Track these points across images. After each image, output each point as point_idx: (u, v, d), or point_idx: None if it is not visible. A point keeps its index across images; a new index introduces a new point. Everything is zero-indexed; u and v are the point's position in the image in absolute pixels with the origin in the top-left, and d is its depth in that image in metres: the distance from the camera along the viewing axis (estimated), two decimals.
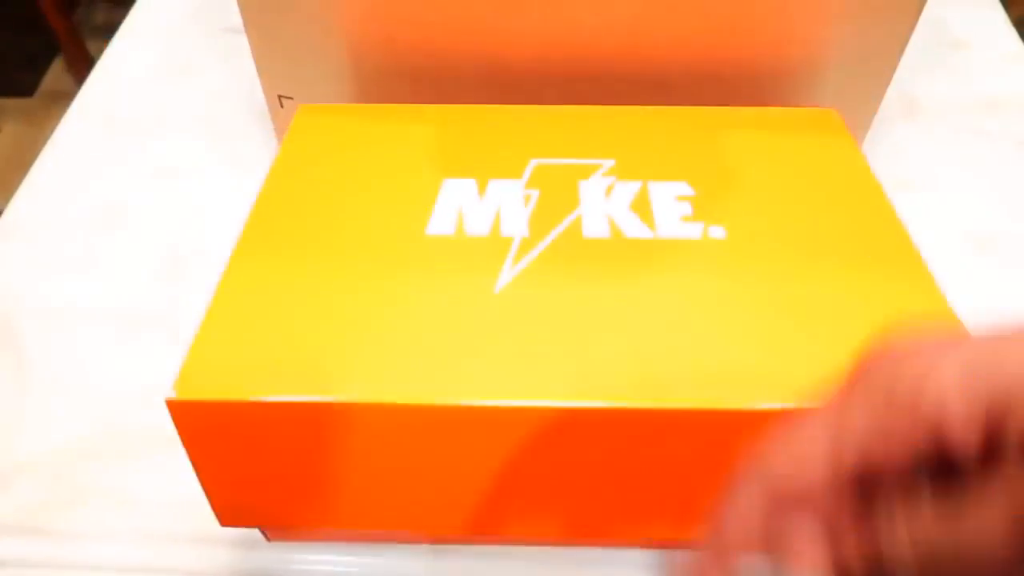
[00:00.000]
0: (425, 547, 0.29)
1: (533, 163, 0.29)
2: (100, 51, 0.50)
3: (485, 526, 0.26)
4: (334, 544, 0.29)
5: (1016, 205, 0.39)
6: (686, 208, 0.27)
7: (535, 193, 0.28)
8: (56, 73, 1.34)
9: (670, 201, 0.28)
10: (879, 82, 0.34)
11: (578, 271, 0.25)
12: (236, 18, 0.34)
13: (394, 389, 0.22)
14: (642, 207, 0.27)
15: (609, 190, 0.28)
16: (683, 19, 0.31)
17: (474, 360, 0.23)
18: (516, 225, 0.27)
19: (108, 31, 0.51)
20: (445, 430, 0.23)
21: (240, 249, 0.26)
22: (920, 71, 0.46)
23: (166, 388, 0.33)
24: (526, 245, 0.26)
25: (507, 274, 0.25)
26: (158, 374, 0.33)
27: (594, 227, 0.27)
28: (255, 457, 0.24)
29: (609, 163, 0.29)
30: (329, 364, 0.23)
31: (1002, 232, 0.38)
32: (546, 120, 0.31)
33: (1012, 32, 0.49)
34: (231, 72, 0.46)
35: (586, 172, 0.29)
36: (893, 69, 0.34)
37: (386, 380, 0.22)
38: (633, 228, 0.27)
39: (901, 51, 0.33)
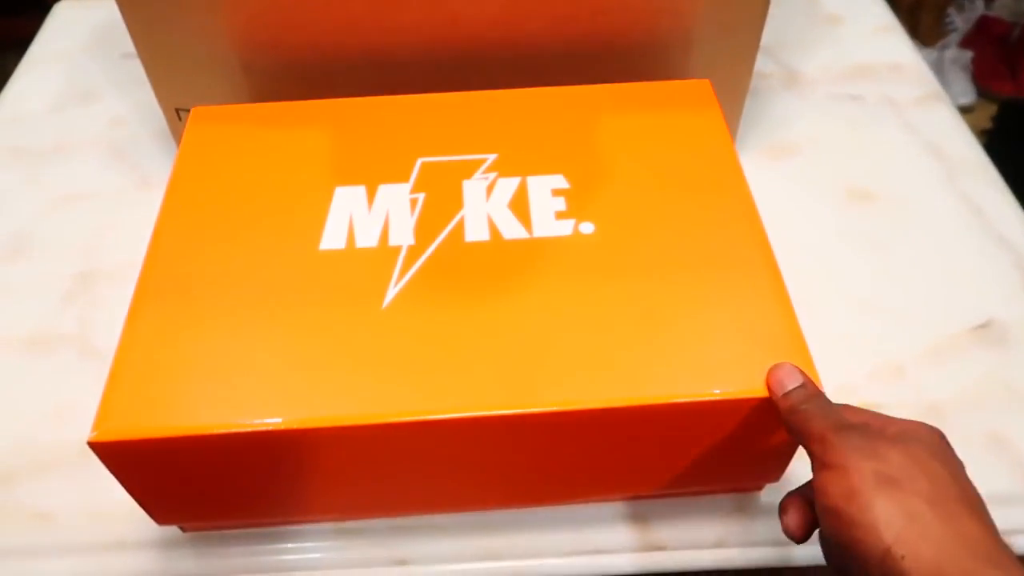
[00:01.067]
0: (330, 526, 0.29)
1: (420, 162, 0.30)
2: None
3: (388, 510, 0.28)
4: (252, 534, 0.29)
5: (890, 160, 0.42)
6: (560, 204, 0.29)
7: (421, 197, 0.29)
8: None
9: (546, 197, 0.29)
10: (747, 51, 0.36)
11: (459, 281, 0.27)
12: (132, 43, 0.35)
13: (294, 413, 0.23)
14: (520, 205, 0.29)
15: (490, 189, 0.29)
16: (554, 1, 0.33)
17: (362, 379, 0.24)
18: (403, 233, 0.28)
19: (16, 61, 0.51)
20: (343, 446, 0.24)
21: (142, 282, 0.27)
22: (799, 45, 0.48)
23: (79, 404, 0.33)
24: (412, 254, 0.27)
25: (393, 289, 0.26)
26: (70, 390, 0.34)
27: (475, 230, 0.28)
28: (177, 476, 0.25)
29: (491, 158, 0.31)
30: (233, 393, 0.24)
31: (879, 185, 0.41)
32: (431, 111, 0.32)
33: (883, 4, 0.52)
34: (131, 96, 0.46)
35: (469, 170, 0.30)
36: (758, 39, 0.36)
37: (286, 404, 0.24)
38: (511, 229, 0.28)
39: (762, 20, 0.35)
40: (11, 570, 0.29)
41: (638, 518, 0.30)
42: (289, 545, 0.29)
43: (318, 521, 0.29)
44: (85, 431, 0.33)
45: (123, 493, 0.26)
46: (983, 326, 0.34)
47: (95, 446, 0.23)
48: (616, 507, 0.30)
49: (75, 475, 0.31)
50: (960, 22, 1.30)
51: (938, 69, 1.15)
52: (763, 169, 0.42)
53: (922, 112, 0.44)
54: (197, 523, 0.28)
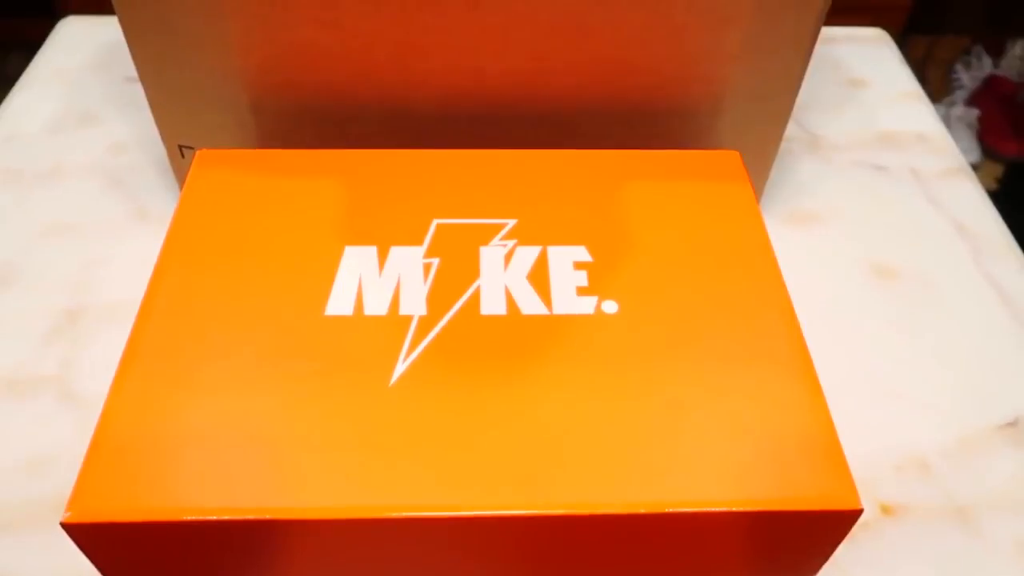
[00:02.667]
0: None
1: (435, 224, 0.29)
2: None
3: None
4: None
5: (914, 235, 0.41)
6: (582, 278, 0.27)
7: (435, 262, 0.28)
8: None
9: (567, 270, 0.28)
10: (778, 118, 0.35)
11: (472, 359, 0.25)
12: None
13: (287, 501, 0.22)
14: (540, 277, 0.27)
15: (508, 257, 0.28)
16: (583, 61, 0.32)
17: (364, 467, 0.22)
18: (415, 302, 0.26)
19: (11, 83, 0.49)
20: (337, 538, 0.22)
21: (132, 343, 0.25)
22: (822, 109, 0.47)
23: (54, 456, 0.31)
24: (423, 326, 0.26)
25: (402, 364, 0.25)
26: (46, 440, 0.32)
27: (492, 303, 0.26)
28: (156, 559, 0.23)
29: (511, 223, 0.29)
30: (222, 474, 0.22)
31: (903, 260, 0.39)
32: (448, 168, 0.31)
33: (907, 70, 0.51)
34: (134, 122, 0.45)
35: (487, 235, 0.29)
36: (790, 107, 0.35)
37: (276, 493, 0.22)
38: (529, 304, 0.27)
39: (796, 88, 0.34)
40: None
41: None
42: None
43: None
44: (59, 487, 0.31)
45: None
46: (1012, 424, 0.33)
47: (68, 528, 0.21)
48: None
49: (45, 536, 0.29)
50: (967, 80, 1.30)
51: (944, 126, 1.15)
52: (784, 238, 0.40)
53: (947, 186, 0.43)
54: None
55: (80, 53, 0.49)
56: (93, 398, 0.33)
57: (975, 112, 1.22)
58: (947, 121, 1.18)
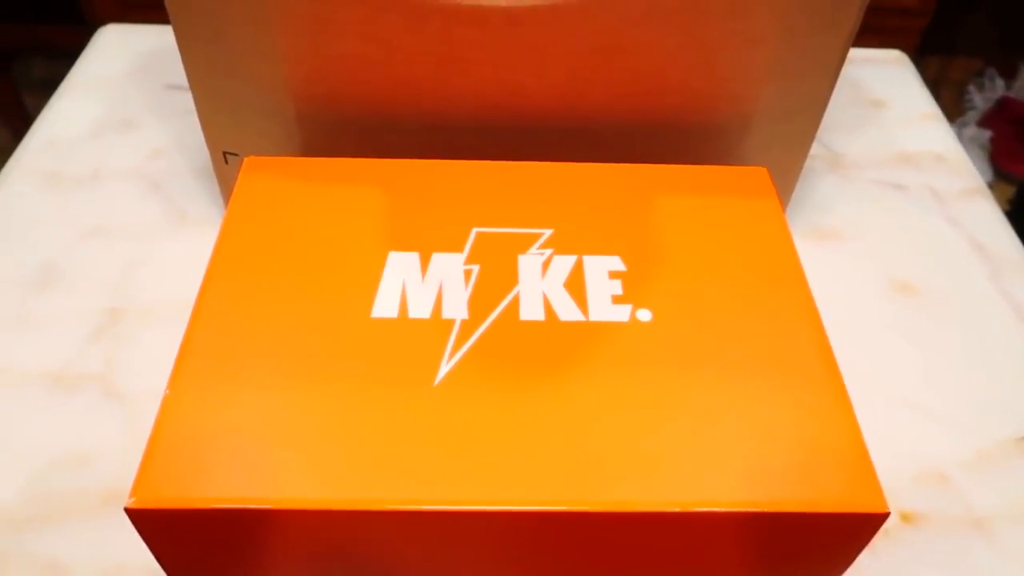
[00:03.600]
0: None
1: (474, 232, 0.30)
2: (38, 106, 0.49)
3: None
4: None
5: (933, 252, 0.42)
6: (616, 287, 0.28)
7: (475, 268, 0.29)
8: None
9: (602, 279, 0.29)
10: (804, 138, 0.36)
11: (513, 362, 0.26)
12: (178, 75, 0.35)
13: (338, 493, 0.23)
14: (576, 285, 0.29)
15: (546, 265, 0.29)
16: (617, 79, 0.33)
17: (410, 461, 0.23)
18: (457, 306, 0.27)
19: (46, 86, 0.50)
20: (383, 530, 0.23)
21: (188, 340, 0.26)
22: (843, 128, 0.48)
23: (99, 451, 0.32)
24: (466, 329, 0.27)
25: (446, 365, 0.26)
26: (90, 437, 0.33)
27: (530, 309, 0.28)
28: (211, 546, 0.24)
29: (547, 233, 0.30)
30: (277, 466, 0.23)
31: (921, 276, 0.40)
32: (486, 179, 0.32)
33: (925, 92, 0.52)
34: (173, 129, 0.46)
35: (525, 244, 0.30)
36: (816, 126, 0.36)
37: (328, 486, 0.23)
38: (567, 310, 0.28)
39: (823, 109, 0.35)
40: None
41: None
42: None
43: None
44: (104, 480, 0.32)
45: (141, 551, 0.25)
46: None
47: (132, 513, 0.22)
48: None
49: (91, 527, 0.30)
50: (980, 101, 1.31)
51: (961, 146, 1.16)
52: (805, 253, 0.41)
53: (965, 206, 0.44)
54: None
55: (120, 60, 0.51)
56: (135, 395, 0.34)
57: (987, 134, 1.23)
58: (959, 142, 1.19)
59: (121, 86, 0.49)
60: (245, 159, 0.32)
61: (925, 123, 0.49)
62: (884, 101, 0.51)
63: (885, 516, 0.23)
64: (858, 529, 0.24)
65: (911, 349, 0.37)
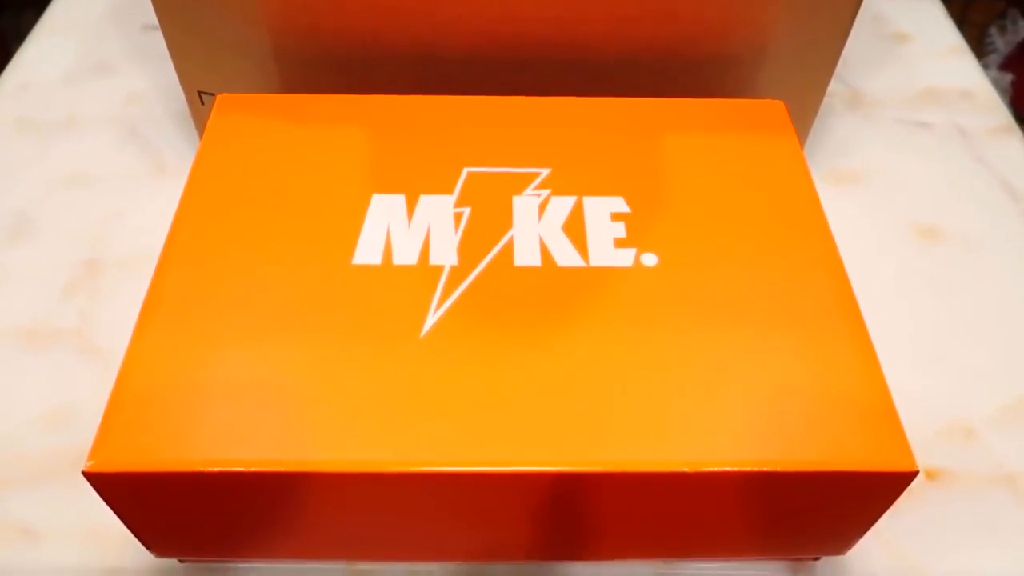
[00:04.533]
0: (341, 566, 0.27)
1: (465, 172, 0.28)
2: None
3: (407, 555, 0.25)
4: (254, 568, 0.27)
5: (959, 194, 0.39)
6: (619, 230, 0.26)
7: (466, 211, 0.26)
8: None
9: (604, 221, 0.26)
10: (823, 71, 0.33)
11: (505, 310, 0.24)
12: (155, 15, 0.32)
13: (312, 454, 0.21)
14: (575, 228, 0.26)
15: (542, 207, 0.27)
16: (621, 4, 0.30)
17: (394, 420, 0.21)
18: (446, 252, 0.25)
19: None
20: (363, 492, 0.22)
21: (152, 292, 0.24)
22: (864, 64, 0.45)
23: (75, 409, 0.31)
24: (455, 276, 0.25)
25: (433, 316, 0.23)
26: (66, 394, 0.31)
27: (525, 253, 0.25)
28: (179, 510, 0.22)
29: (544, 172, 0.28)
30: (246, 425, 0.21)
31: (947, 220, 0.38)
32: (478, 115, 0.29)
33: (951, 25, 0.49)
34: (150, 72, 0.43)
35: (520, 184, 0.27)
36: (836, 58, 0.33)
37: (302, 446, 0.21)
38: (565, 255, 0.25)
39: (844, 38, 0.32)
40: None
41: None
42: None
43: (328, 560, 0.27)
44: (81, 439, 0.30)
45: None
46: None
47: (91, 476, 0.21)
48: (656, 566, 0.27)
49: (68, 489, 0.28)
50: (1001, 44, 1.26)
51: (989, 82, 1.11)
52: (822, 197, 0.39)
53: (994, 145, 0.41)
54: (197, 556, 0.26)
55: (95, 2, 0.48)
56: (113, 351, 0.32)
57: (1009, 77, 1.19)
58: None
59: (97, 28, 0.47)
60: (217, 97, 0.30)
61: (951, 57, 0.46)
62: (908, 34, 0.47)
63: (913, 475, 0.21)
64: (884, 488, 0.22)
65: (935, 298, 0.35)
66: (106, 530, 0.27)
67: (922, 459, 0.30)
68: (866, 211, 0.38)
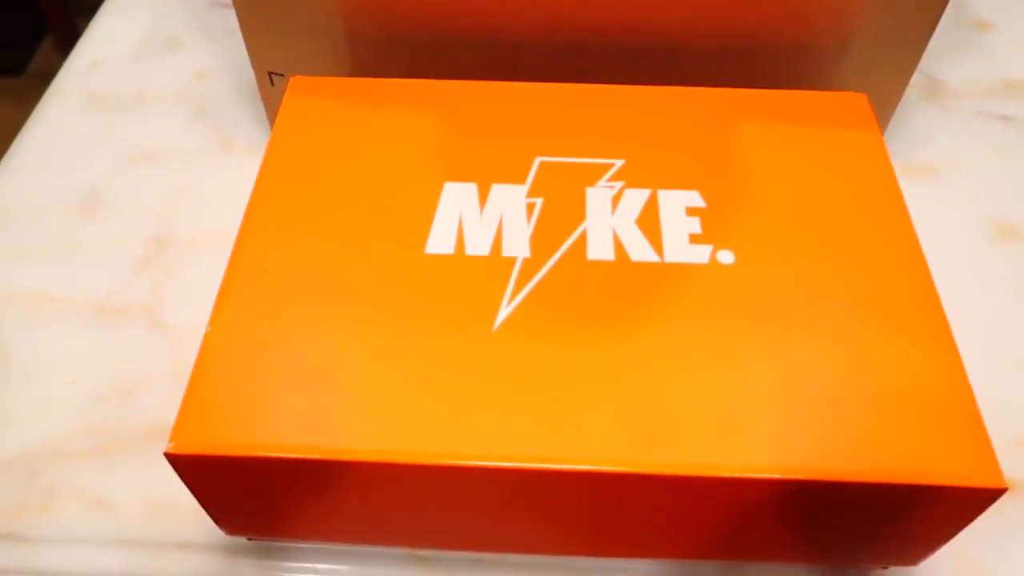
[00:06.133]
0: (404, 552, 0.27)
1: (538, 161, 0.27)
2: None
3: (470, 544, 0.25)
4: (320, 550, 0.27)
5: None
6: (695, 225, 0.26)
7: (539, 202, 0.26)
8: (46, 52, 1.31)
9: (679, 216, 0.26)
10: (907, 62, 0.32)
11: (579, 305, 0.24)
12: None
13: (386, 444, 0.21)
14: (650, 222, 0.26)
15: (616, 200, 0.26)
16: None
17: (471, 415, 0.21)
18: (518, 243, 0.25)
19: (98, 9, 0.48)
20: (433, 483, 0.22)
21: (229, 276, 0.24)
22: (943, 53, 0.44)
23: (145, 383, 0.31)
24: (528, 268, 0.24)
25: (506, 308, 0.23)
26: (136, 368, 0.32)
27: (599, 247, 0.25)
28: (254, 492, 0.23)
29: (618, 163, 0.27)
30: (321, 413, 0.21)
31: None
32: (551, 103, 0.29)
33: None
34: (218, 49, 0.44)
35: (593, 175, 0.27)
36: (922, 49, 0.32)
37: (380, 436, 0.21)
38: (639, 250, 0.25)
39: (931, 29, 0.31)
40: (63, 558, 0.27)
41: None
42: (357, 568, 0.27)
43: (391, 546, 0.27)
44: (149, 414, 0.31)
45: (186, 489, 0.24)
46: None
47: (172, 458, 0.21)
48: (725, 567, 0.27)
49: (138, 463, 0.29)
50: None
51: None
52: None
53: None
54: (265, 535, 0.26)
55: None
56: (181, 327, 0.33)
57: None
58: None
59: (165, 4, 0.47)
60: (290, 79, 0.30)
61: None
62: (990, 22, 0.45)
63: (1001, 492, 0.20)
64: (967, 504, 0.21)
65: (1015, 300, 0.34)
66: (176, 504, 0.28)
67: (1002, 467, 0.29)
68: (943, 207, 0.37)
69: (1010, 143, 0.40)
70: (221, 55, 0.43)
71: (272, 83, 0.35)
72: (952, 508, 0.21)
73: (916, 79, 0.42)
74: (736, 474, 0.21)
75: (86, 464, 0.29)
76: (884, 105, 0.34)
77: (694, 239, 0.25)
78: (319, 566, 0.27)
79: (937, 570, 0.27)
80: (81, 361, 0.32)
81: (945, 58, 0.43)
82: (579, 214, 0.26)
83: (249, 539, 0.27)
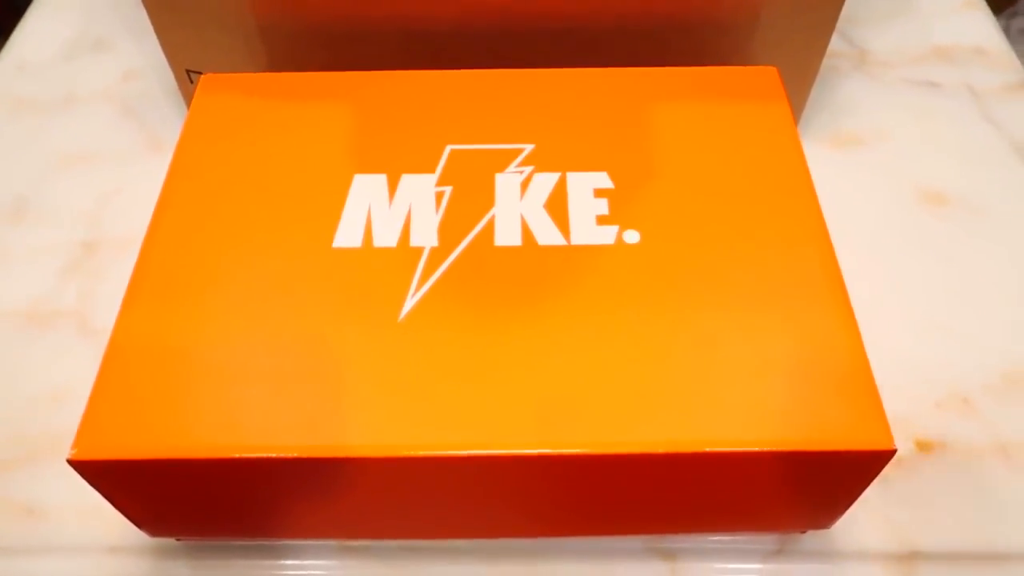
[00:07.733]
0: (334, 543, 0.27)
1: (448, 149, 0.27)
2: None
3: (397, 533, 0.26)
4: (251, 546, 0.27)
5: (969, 159, 0.38)
6: (602, 206, 0.26)
7: (448, 191, 0.26)
8: None
9: (587, 198, 0.26)
10: (821, 31, 0.32)
11: (485, 292, 0.24)
12: None
13: (295, 439, 0.21)
14: (558, 206, 0.26)
15: (525, 185, 0.26)
16: None
17: (373, 404, 0.21)
18: (426, 233, 0.25)
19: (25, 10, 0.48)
20: (348, 476, 0.22)
21: (135, 279, 0.24)
22: (870, 20, 0.44)
23: (76, 389, 0.31)
24: (435, 257, 0.24)
25: (412, 298, 0.23)
26: (67, 373, 0.32)
27: (506, 233, 0.25)
28: (168, 494, 0.23)
29: (528, 148, 0.27)
30: (229, 411, 0.21)
31: (954, 185, 0.37)
32: (462, 89, 0.29)
33: None
34: (148, 47, 0.43)
35: (503, 162, 0.27)
36: (835, 19, 0.32)
37: (286, 432, 0.21)
38: (546, 234, 0.25)
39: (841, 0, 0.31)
40: None
41: (667, 554, 0.27)
42: (289, 561, 0.27)
43: (319, 539, 0.27)
44: (79, 420, 0.31)
45: None
46: None
47: (75, 464, 0.21)
48: (645, 540, 0.27)
49: (68, 469, 0.29)
50: None
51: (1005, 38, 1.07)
52: (823, 160, 0.38)
53: (1007, 105, 0.40)
54: (190, 535, 0.26)
55: None
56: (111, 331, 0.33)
57: None
58: (1008, 33, 1.11)
59: (94, 3, 0.46)
60: (200, 77, 0.29)
61: (964, 12, 0.45)
62: None
63: (891, 453, 0.21)
64: (863, 466, 0.22)
65: (938, 265, 0.34)
66: (107, 509, 0.28)
67: (918, 430, 0.29)
68: (870, 175, 0.37)
69: (937, 109, 0.40)
70: (151, 55, 0.43)
71: (191, 81, 0.34)
72: (849, 470, 0.22)
73: (842, 48, 0.42)
74: (648, 450, 0.21)
75: (15, 472, 0.29)
76: (803, 76, 0.34)
77: (601, 220, 0.26)
78: (250, 562, 0.27)
79: (856, 530, 0.27)
80: (9, 369, 0.32)
81: (871, 26, 0.44)
82: (488, 201, 0.26)
83: (177, 539, 0.27)
